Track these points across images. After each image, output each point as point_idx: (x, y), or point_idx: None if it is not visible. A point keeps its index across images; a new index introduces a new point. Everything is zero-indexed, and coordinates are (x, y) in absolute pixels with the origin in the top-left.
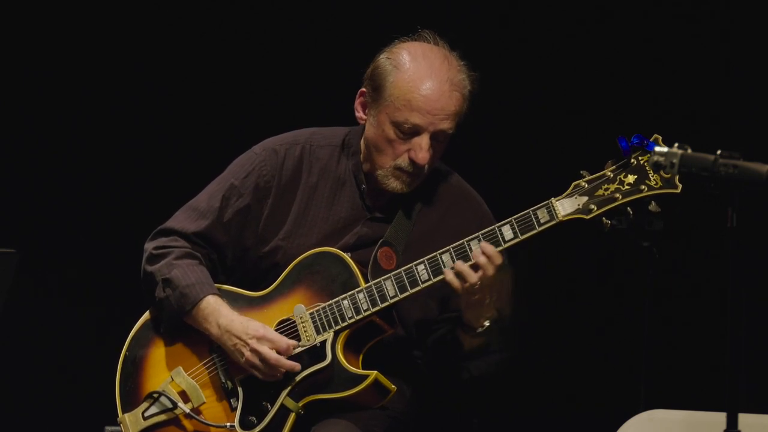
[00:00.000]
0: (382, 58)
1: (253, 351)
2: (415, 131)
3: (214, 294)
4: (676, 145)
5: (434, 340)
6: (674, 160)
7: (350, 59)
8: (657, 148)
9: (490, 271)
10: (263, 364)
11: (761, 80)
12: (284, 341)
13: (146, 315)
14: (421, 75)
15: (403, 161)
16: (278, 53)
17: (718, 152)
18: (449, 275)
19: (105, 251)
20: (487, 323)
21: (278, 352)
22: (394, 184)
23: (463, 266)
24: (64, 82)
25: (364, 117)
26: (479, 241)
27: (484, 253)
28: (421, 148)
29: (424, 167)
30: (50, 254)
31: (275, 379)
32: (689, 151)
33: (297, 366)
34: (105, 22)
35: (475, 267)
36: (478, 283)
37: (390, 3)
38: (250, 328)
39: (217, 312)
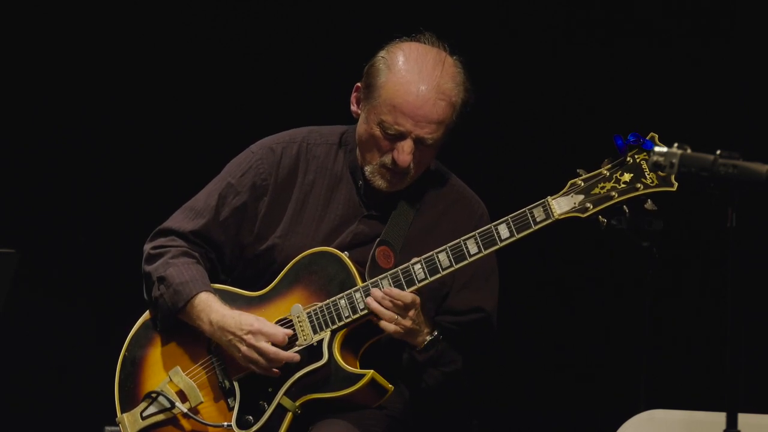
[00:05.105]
0: (379, 57)
1: (250, 346)
2: (398, 134)
3: (206, 291)
4: (676, 145)
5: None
6: (674, 160)
7: (349, 58)
8: (657, 148)
9: (392, 310)
10: (262, 358)
11: (761, 80)
12: (280, 332)
13: (145, 315)
14: (409, 80)
15: (387, 159)
16: (277, 52)
17: (718, 152)
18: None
19: (105, 251)
20: (429, 338)
21: (274, 344)
22: (379, 182)
23: (371, 305)
24: (65, 83)
25: (357, 111)
26: (475, 240)
27: (388, 296)
28: (403, 151)
29: (407, 169)
30: (50, 254)
31: (273, 374)
32: (689, 150)
33: (296, 357)
34: (105, 22)
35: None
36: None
37: (395, 1)
38: (243, 322)
39: (209, 308)
